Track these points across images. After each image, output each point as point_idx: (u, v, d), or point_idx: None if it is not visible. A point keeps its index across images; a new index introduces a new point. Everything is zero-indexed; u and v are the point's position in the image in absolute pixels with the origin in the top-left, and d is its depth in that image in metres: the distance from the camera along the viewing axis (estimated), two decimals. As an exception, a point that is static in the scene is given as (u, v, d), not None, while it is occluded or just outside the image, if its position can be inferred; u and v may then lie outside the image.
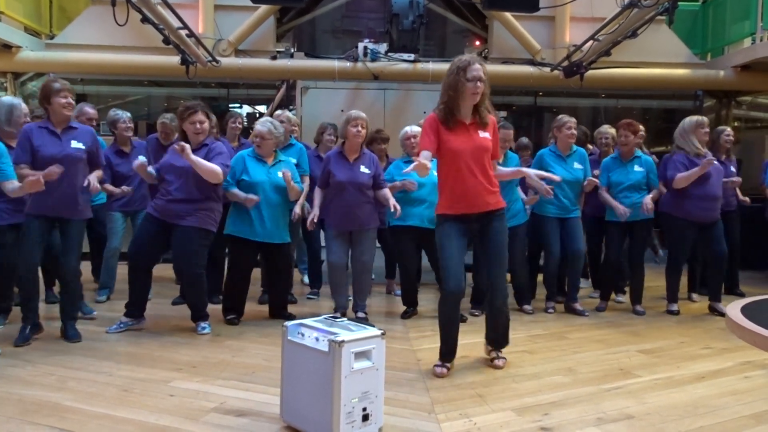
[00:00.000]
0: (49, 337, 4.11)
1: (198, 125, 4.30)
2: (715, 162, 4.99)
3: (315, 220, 4.58)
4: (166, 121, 5.32)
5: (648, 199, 5.05)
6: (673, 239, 5.22)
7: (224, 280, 4.84)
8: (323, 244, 5.08)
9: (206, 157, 4.25)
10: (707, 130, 5.17)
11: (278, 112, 5.32)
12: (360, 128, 4.60)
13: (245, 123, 6.52)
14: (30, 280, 4.00)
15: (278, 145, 4.74)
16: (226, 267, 4.92)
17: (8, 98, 4.46)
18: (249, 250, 4.60)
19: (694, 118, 5.19)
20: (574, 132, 5.14)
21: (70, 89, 4.05)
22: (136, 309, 4.41)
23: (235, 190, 4.51)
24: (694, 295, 5.81)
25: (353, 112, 4.68)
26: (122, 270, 5.50)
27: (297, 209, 4.81)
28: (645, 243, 5.29)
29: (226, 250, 5.08)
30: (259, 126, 4.61)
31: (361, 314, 4.73)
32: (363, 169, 4.66)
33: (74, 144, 4.04)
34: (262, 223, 4.52)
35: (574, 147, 5.20)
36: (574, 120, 5.19)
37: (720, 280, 5.29)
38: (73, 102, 4.09)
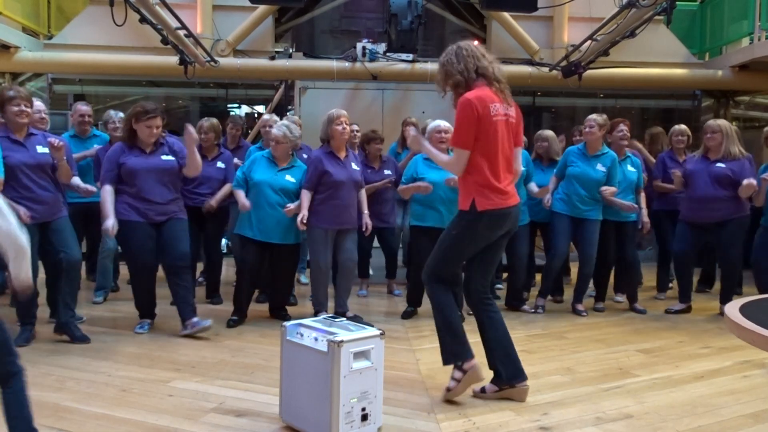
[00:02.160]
0: (48, 338, 4.10)
1: (155, 129, 4.22)
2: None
3: (304, 221, 4.49)
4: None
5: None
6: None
7: (236, 281, 4.81)
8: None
9: (172, 153, 4.33)
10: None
11: (265, 117, 5.28)
12: (345, 125, 4.59)
13: (245, 127, 6.68)
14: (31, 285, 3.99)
15: (294, 148, 4.74)
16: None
17: None
18: (252, 249, 4.61)
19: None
20: (590, 130, 4.94)
21: (24, 97, 3.89)
22: (151, 310, 4.48)
23: (239, 192, 4.62)
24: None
25: (334, 110, 4.64)
26: (121, 270, 5.50)
27: (291, 205, 4.75)
28: (635, 241, 5.31)
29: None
30: (275, 130, 4.66)
31: (350, 314, 4.66)
32: (354, 166, 4.69)
33: (40, 149, 3.97)
34: (260, 222, 4.54)
35: (605, 149, 5.02)
36: (598, 118, 4.97)
37: (730, 285, 5.13)
38: (27, 110, 3.91)
